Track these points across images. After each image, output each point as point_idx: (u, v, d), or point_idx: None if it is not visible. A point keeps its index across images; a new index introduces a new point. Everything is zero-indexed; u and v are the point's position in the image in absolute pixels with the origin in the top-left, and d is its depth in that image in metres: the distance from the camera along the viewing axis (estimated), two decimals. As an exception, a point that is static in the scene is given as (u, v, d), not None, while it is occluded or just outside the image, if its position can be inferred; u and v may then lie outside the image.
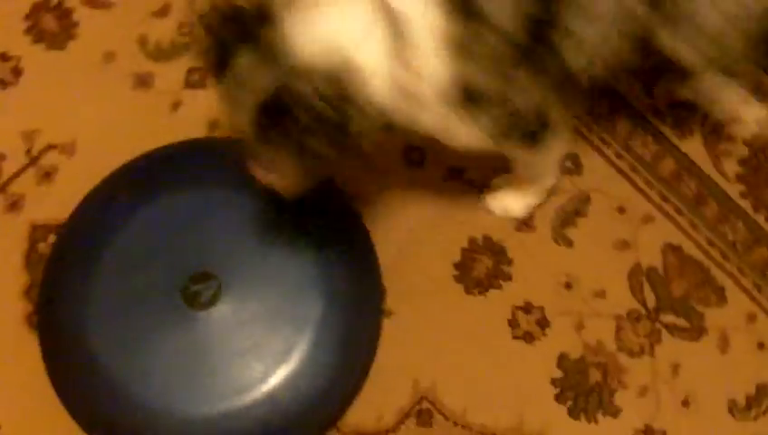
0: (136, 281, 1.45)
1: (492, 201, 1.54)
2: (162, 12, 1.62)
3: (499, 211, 1.54)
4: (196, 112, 1.57)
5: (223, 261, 1.45)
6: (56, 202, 1.54)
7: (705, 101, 1.54)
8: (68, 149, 1.57)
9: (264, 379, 1.41)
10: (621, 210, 1.56)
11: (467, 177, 1.56)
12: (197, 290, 1.43)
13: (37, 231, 1.53)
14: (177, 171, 1.52)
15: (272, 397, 1.41)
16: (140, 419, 1.40)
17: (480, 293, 1.52)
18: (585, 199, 1.56)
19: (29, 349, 1.47)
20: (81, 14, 1.63)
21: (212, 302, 1.43)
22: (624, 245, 1.54)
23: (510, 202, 1.53)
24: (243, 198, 1.46)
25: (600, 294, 1.53)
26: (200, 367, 1.42)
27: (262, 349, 1.42)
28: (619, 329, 1.51)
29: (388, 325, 1.50)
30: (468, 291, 1.53)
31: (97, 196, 1.52)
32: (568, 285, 1.53)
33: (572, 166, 1.57)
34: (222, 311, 1.43)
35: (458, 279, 1.53)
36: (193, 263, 1.44)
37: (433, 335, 1.51)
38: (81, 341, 1.43)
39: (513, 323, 1.51)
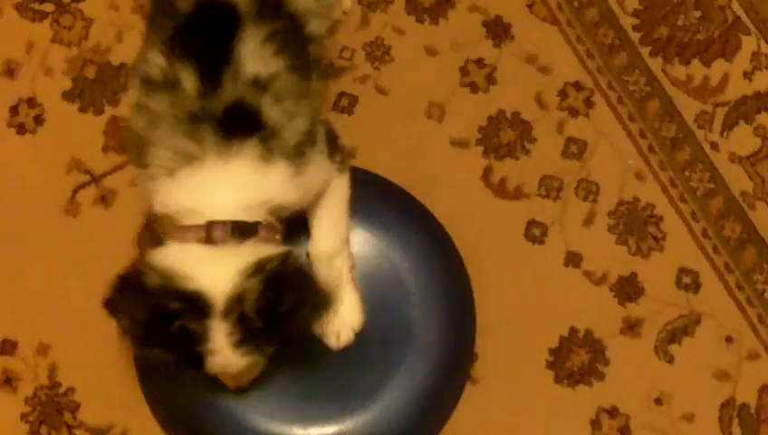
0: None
1: None
2: (328, 31, 1.61)
3: None
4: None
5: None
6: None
7: None
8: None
9: (338, 418, 1.41)
10: (729, 340, 1.53)
11: (586, 267, 1.55)
12: None
13: (158, 211, 1.55)
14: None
15: (340, 436, 1.42)
16: (215, 423, 1.40)
17: (569, 385, 1.50)
18: (696, 320, 1.54)
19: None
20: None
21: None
22: (724, 375, 1.51)
23: None
24: (366, 233, 1.47)
25: (689, 417, 1.50)
26: (281, 383, 1.41)
27: (344, 388, 1.42)
28: (698, 458, 1.49)
29: (471, 391, 1.49)
30: (558, 380, 1.51)
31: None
32: (658, 401, 1.50)
33: (691, 283, 1.55)
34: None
35: (550, 365, 1.51)
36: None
37: (512, 415, 1.49)
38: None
39: (594, 425, 1.49)
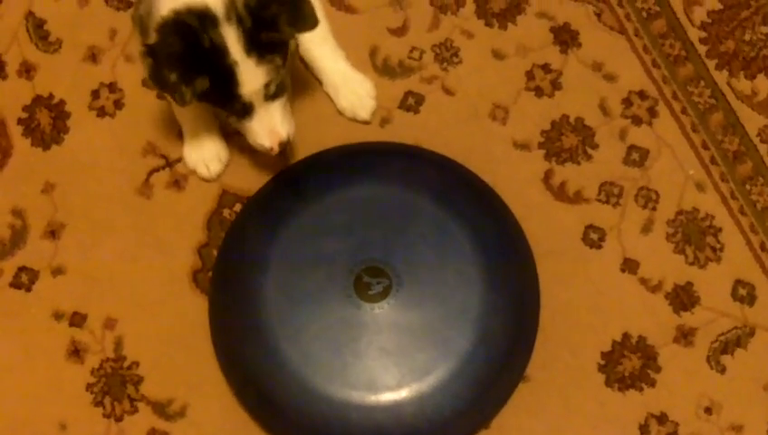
0: (316, 259, 1.51)
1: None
2: (400, 31, 1.68)
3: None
4: (402, 134, 1.63)
5: (400, 264, 1.50)
6: (251, 174, 1.61)
7: None
8: (276, 130, 1.64)
9: (395, 387, 1.46)
10: (782, 354, 1.54)
11: (642, 274, 1.57)
12: (369, 282, 1.49)
13: (226, 196, 1.60)
14: (376, 166, 1.58)
15: (396, 407, 1.45)
16: (279, 381, 1.46)
17: (620, 389, 1.52)
18: (749, 332, 1.54)
19: (187, 301, 1.56)
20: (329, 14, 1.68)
21: (378, 298, 1.48)
22: (775, 389, 1.52)
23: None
24: (440, 214, 1.52)
25: (737, 428, 1.51)
26: (345, 350, 1.47)
27: (404, 359, 1.46)
28: (745, 469, 1.49)
29: (521, 388, 1.52)
30: (608, 384, 1.52)
31: (292, 174, 1.60)
32: (708, 410, 1.51)
33: (747, 296, 1.56)
34: (384, 309, 1.48)
35: (602, 369, 1.53)
36: (372, 255, 1.50)
37: (561, 415, 1.51)
38: (251, 302, 1.50)
39: (643, 430, 1.50)
